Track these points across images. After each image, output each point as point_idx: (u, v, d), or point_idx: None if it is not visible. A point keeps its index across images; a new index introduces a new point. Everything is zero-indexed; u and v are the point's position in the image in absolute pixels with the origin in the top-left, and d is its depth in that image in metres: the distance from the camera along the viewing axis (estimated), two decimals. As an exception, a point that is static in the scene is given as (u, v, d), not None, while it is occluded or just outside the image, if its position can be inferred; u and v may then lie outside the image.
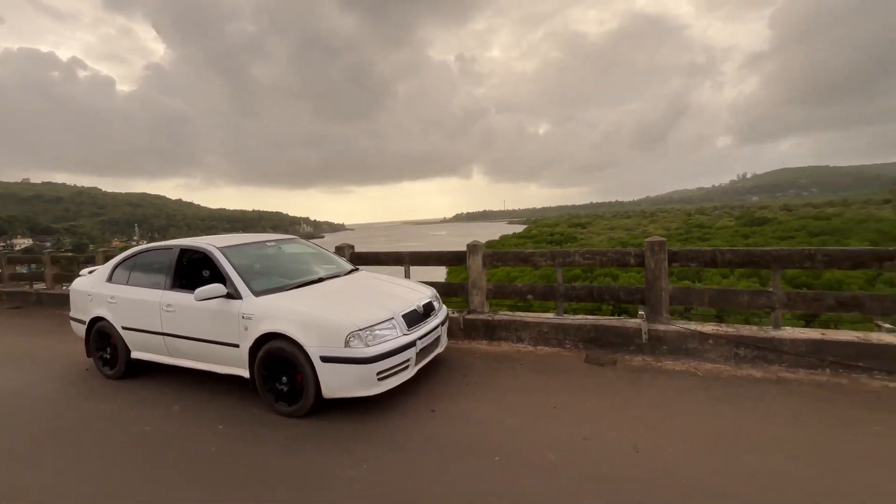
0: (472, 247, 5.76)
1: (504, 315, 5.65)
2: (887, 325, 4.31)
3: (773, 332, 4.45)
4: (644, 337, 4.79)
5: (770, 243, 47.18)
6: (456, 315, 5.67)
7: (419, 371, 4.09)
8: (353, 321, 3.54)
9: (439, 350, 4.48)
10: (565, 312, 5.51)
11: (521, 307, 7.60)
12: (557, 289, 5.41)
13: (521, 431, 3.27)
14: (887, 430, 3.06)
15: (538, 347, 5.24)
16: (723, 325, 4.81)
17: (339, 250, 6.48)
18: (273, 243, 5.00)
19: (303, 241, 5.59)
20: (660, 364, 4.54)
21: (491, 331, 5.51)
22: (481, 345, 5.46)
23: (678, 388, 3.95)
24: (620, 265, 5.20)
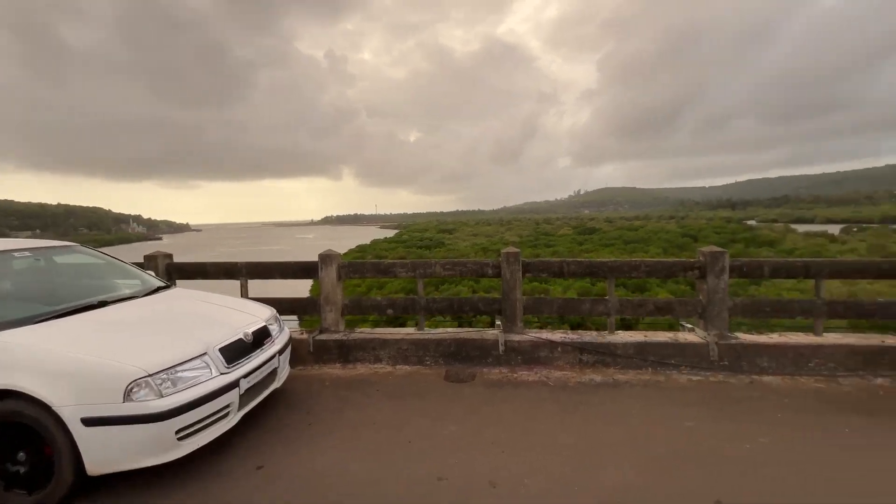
0: (325, 257, 5.06)
1: (361, 333, 5.09)
2: (688, 326, 5.04)
3: (609, 337, 4.82)
4: (501, 348, 4.75)
5: (598, 248, 56.09)
6: (304, 336, 4.90)
7: (249, 414, 3.27)
8: (141, 363, 2.58)
9: (277, 384, 3.70)
10: (427, 326, 5.22)
11: (387, 322, 7.11)
12: (419, 301, 5.08)
13: (366, 480, 2.76)
14: (696, 425, 3.42)
15: (397, 367, 4.81)
16: (569, 332, 5.07)
17: (149, 261, 5.08)
18: (27, 254, 3.55)
19: (86, 249, 4.15)
20: (516, 375, 4.53)
21: (346, 352, 4.89)
22: (334, 369, 4.80)
23: (532, 400, 3.92)
24: (479, 275, 5.12)
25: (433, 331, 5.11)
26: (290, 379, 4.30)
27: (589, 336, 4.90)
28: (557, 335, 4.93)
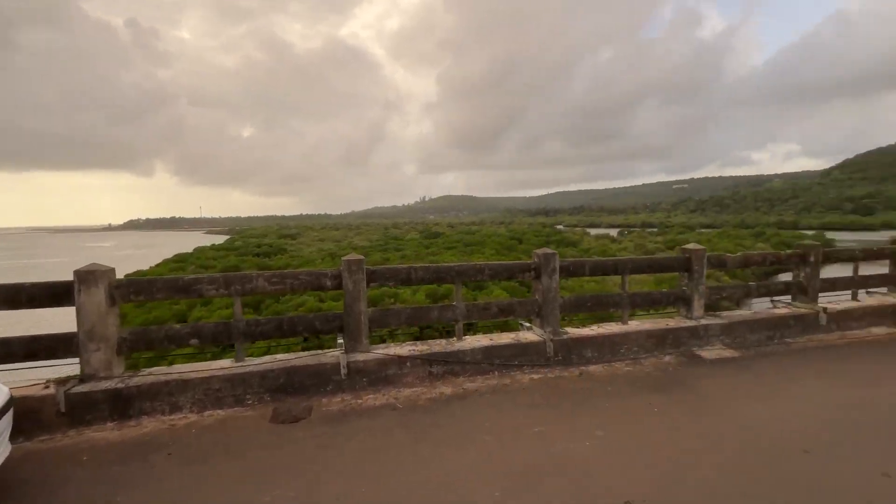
0: (86, 274, 3.59)
1: (149, 375, 3.78)
2: (527, 325, 5.24)
3: (457, 345, 4.63)
4: (343, 371, 4.10)
5: (442, 252, 59.46)
6: (50, 391, 3.37)
7: None
8: None
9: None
10: (254, 354, 4.20)
11: (194, 356, 5.64)
12: (235, 326, 4.04)
13: None
14: (544, 430, 3.39)
15: (206, 414, 3.70)
16: (417, 343, 4.71)
17: None
18: None
19: None
20: (360, 402, 3.93)
21: (124, 404, 3.54)
22: (105, 432, 3.41)
23: (380, 431, 3.39)
24: (316, 288, 4.36)
25: (256, 360, 4.14)
26: (13, 462, 2.83)
27: (438, 346, 4.63)
28: (406, 349, 4.52)
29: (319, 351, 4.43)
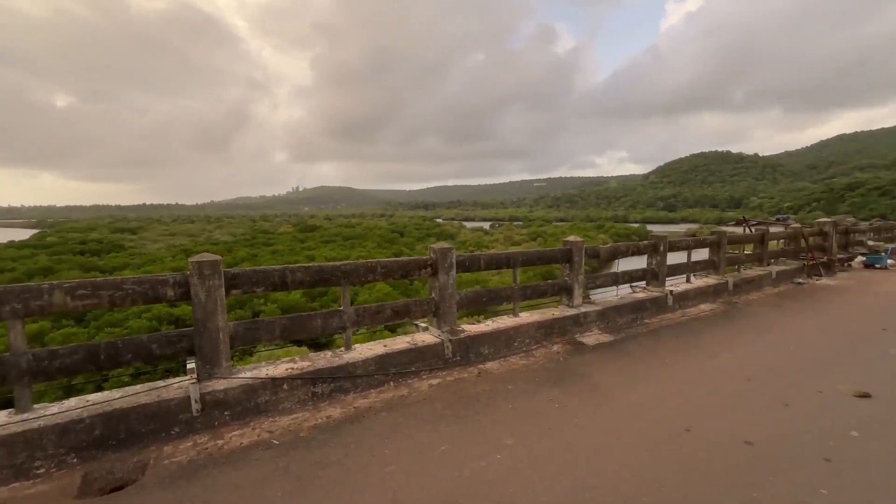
0: None
1: None
2: (422, 325, 4.83)
3: (346, 356, 3.98)
4: (196, 407, 3.13)
5: (319, 245, 55.94)
6: None
7: None
8: None
9: None
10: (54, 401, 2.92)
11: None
12: (12, 363, 2.74)
13: None
14: (450, 448, 3.01)
15: (-45, 503, 2.41)
16: (297, 359, 3.92)
17: None
18: None
19: None
20: (221, 443, 3.04)
21: None
22: None
23: (249, 485, 2.60)
24: (151, 300, 3.25)
25: (53, 408, 2.90)
26: None
27: (322, 359, 3.92)
28: (282, 367, 3.70)
29: (161, 383, 3.34)
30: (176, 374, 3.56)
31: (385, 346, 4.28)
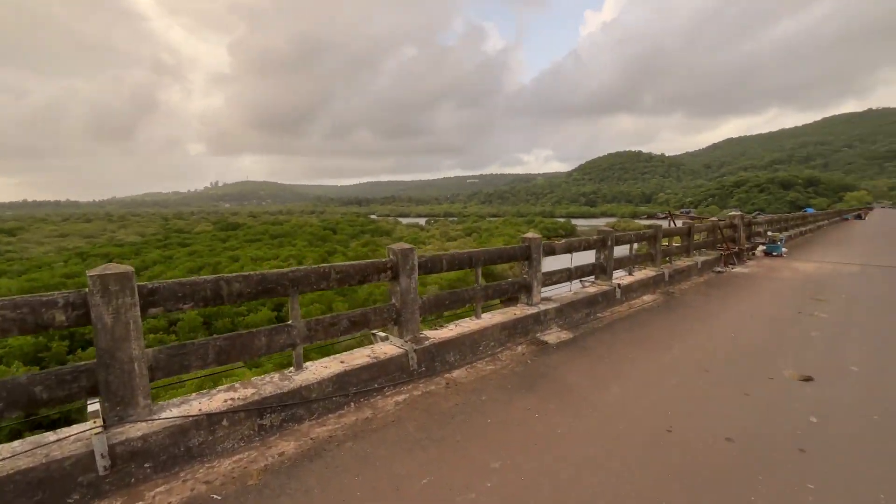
0: None
1: None
2: (381, 334, 4.38)
3: (297, 377, 3.42)
4: (102, 463, 2.43)
5: (243, 245, 51.88)
6: None
7: None
8: None
9: None
10: None
11: None
12: None
13: None
14: (429, 481, 2.64)
15: None
16: (238, 386, 3.28)
17: None
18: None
19: None
20: (141, 507, 2.38)
21: None
22: None
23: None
24: (32, 329, 2.46)
25: None
26: None
27: (270, 384, 3.32)
28: (219, 399, 3.06)
29: (50, 436, 2.55)
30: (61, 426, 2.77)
31: (342, 361, 3.76)
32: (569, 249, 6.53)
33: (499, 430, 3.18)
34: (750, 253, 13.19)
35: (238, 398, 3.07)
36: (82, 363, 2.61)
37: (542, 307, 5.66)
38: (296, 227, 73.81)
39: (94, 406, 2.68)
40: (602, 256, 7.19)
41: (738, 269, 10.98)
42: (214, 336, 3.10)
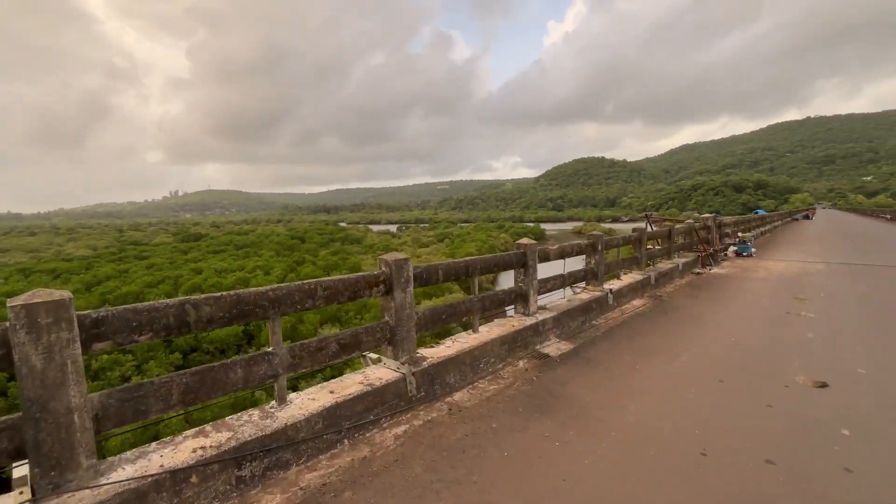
0: None
1: None
2: (373, 356, 3.91)
3: (281, 414, 2.91)
4: (30, 551, 1.85)
5: (206, 256, 49.35)
6: None
7: None
8: None
9: None
10: None
11: None
12: None
13: None
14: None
15: None
16: (209, 429, 2.74)
17: None
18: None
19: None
20: None
21: None
22: None
23: None
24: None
25: None
26: None
27: (249, 425, 2.79)
28: (186, 449, 2.51)
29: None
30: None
31: (332, 391, 3.27)
32: (562, 255, 6.26)
33: (520, 465, 2.79)
34: (723, 254, 13.49)
35: (210, 446, 2.54)
36: (2, 418, 2.03)
37: (540, 317, 5.33)
38: (262, 237, 71.23)
39: (20, 471, 2.10)
40: (593, 261, 6.98)
41: (715, 269, 11.13)
42: (180, 371, 2.56)
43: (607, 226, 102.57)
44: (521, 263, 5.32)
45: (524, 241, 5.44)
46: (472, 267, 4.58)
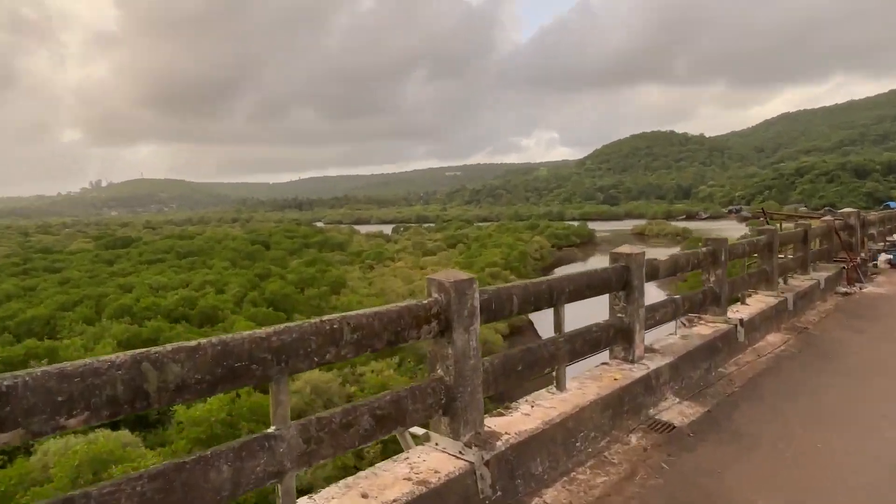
0: None
1: None
2: (417, 431, 3.39)
3: (291, 539, 2.41)
4: None
5: (138, 268, 49.62)
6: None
7: None
8: None
9: None
10: None
11: None
12: None
13: None
14: None
15: None
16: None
17: None
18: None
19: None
20: None
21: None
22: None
23: None
24: None
25: None
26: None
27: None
28: None
29: None
30: None
31: (364, 495, 2.76)
32: (675, 270, 5.73)
33: None
34: (870, 264, 12.82)
35: None
36: None
37: (651, 364, 4.81)
38: (212, 242, 71.49)
39: None
40: (713, 279, 6.42)
41: (869, 288, 10.48)
42: (135, 474, 2.07)
43: (680, 224, 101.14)
44: (622, 283, 4.80)
45: (624, 249, 4.92)
46: (557, 290, 4.07)
